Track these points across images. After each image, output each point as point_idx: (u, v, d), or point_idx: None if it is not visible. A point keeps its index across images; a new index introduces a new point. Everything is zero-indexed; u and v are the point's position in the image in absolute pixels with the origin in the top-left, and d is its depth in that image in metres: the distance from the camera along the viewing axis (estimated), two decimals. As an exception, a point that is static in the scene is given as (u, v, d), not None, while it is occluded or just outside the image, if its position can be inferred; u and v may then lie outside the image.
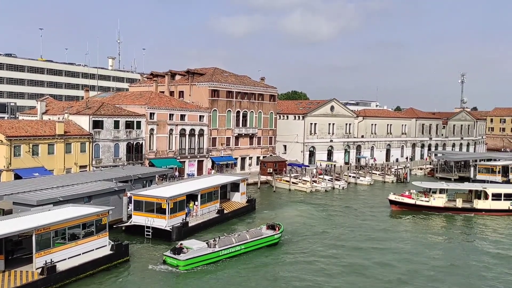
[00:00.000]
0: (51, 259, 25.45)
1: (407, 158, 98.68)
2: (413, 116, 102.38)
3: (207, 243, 30.95)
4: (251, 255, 32.19)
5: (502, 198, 48.70)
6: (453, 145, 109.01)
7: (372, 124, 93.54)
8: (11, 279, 24.04)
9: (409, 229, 42.31)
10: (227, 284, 26.84)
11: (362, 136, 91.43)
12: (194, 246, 29.93)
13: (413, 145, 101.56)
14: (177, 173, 59.89)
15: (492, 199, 48.43)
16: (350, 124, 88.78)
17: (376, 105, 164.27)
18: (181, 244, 30.16)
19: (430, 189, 49.55)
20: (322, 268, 30.25)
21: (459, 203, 48.35)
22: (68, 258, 26.74)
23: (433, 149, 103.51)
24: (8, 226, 25.44)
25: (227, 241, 31.60)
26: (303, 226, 41.63)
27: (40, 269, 24.95)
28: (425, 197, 48.51)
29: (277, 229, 35.42)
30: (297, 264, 30.80)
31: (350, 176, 70.13)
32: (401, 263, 31.73)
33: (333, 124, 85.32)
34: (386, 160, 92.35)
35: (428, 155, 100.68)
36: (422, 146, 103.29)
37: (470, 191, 50.88)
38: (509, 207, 48.57)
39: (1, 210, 34.70)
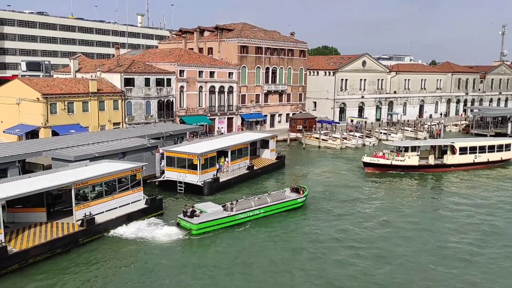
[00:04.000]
0: (89, 212, 26.74)
1: (441, 114, 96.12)
2: (449, 70, 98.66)
3: (223, 206, 29.93)
4: (271, 219, 30.88)
5: (468, 151, 48.43)
6: (491, 100, 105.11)
7: (405, 80, 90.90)
8: (54, 230, 25.50)
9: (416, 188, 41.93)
10: (240, 250, 25.90)
11: (395, 92, 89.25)
12: (209, 210, 28.93)
13: (448, 101, 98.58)
14: (223, 130, 60.51)
15: (460, 154, 48.00)
16: (382, 79, 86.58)
17: (410, 60, 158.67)
18: (193, 206, 29.25)
19: (399, 147, 47.96)
20: (346, 233, 29.41)
21: (431, 160, 47.35)
22: (106, 211, 28.02)
23: (469, 104, 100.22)
24: (49, 181, 26.72)
25: (246, 205, 30.23)
26: (330, 184, 41.78)
27: (80, 221, 26.31)
28: (397, 156, 46.80)
29: (301, 192, 33.75)
30: (319, 229, 29.37)
31: (381, 133, 69.17)
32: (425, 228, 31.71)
33: (365, 79, 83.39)
34: (419, 117, 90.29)
35: (463, 111, 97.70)
36: (458, 102, 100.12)
37: (433, 147, 49.26)
38: (473, 160, 48.52)
39: (41, 166, 36.31)
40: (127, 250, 25.46)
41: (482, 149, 49.36)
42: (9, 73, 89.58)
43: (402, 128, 73.04)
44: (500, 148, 50.60)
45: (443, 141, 52.62)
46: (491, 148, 50.02)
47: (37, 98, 45.71)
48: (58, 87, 48.15)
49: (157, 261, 24.07)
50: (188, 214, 28.20)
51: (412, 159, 46.40)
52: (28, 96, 46.33)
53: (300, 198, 33.32)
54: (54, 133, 45.68)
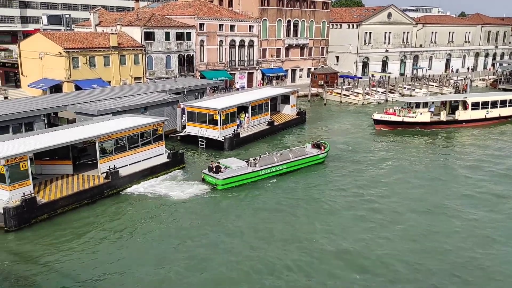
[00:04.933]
0: (114, 165, 27.44)
1: (468, 68, 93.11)
2: (478, 22, 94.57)
3: (247, 161, 30.02)
4: (294, 174, 30.85)
5: (480, 107, 47.20)
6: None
7: (432, 32, 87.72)
8: (80, 182, 26.38)
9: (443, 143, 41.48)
10: (265, 203, 26.35)
11: (421, 45, 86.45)
12: (233, 165, 29.08)
13: (476, 55, 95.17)
14: (241, 84, 60.25)
15: (472, 109, 46.82)
16: (408, 32, 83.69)
17: (438, 11, 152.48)
18: (218, 162, 29.32)
19: (410, 103, 46.66)
20: (366, 187, 29.98)
21: (443, 116, 46.12)
22: (129, 165, 28.69)
23: (498, 58, 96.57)
24: (74, 134, 27.35)
25: (269, 160, 30.32)
26: (351, 140, 41.57)
27: (105, 174, 27.08)
28: (408, 112, 45.36)
29: (322, 148, 33.58)
30: (341, 184, 29.72)
31: (405, 88, 67.70)
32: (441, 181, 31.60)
33: (390, 32, 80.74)
34: (445, 71, 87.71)
35: (492, 65, 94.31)
36: (487, 56, 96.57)
37: (443, 102, 48.04)
38: (485, 116, 47.33)
39: (66, 119, 37.16)
40: (152, 202, 26.20)
41: (494, 104, 48.18)
42: (31, 27, 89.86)
43: (427, 83, 71.24)
44: (511, 102, 49.36)
45: (454, 97, 51.44)
46: (503, 103, 48.83)
47: (59, 52, 45.96)
48: (80, 41, 48.20)
49: (183, 215, 24.63)
50: (213, 169, 28.55)
51: (423, 116, 45.35)
52: (50, 50, 46.62)
53: (321, 154, 33.38)
54: (77, 88, 46.19)
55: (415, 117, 45.20)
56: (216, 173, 28.30)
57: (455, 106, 47.73)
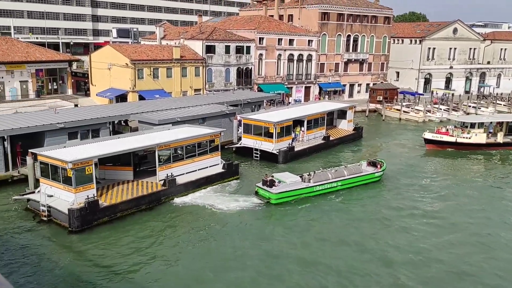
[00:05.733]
0: (171, 173, 28.37)
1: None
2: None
3: (301, 176, 29.57)
4: (349, 192, 30.36)
5: None
6: None
7: (501, 49, 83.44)
8: (139, 188, 27.49)
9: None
10: (319, 220, 26.01)
11: (488, 62, 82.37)
12: (287, 180, 28.75)
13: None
14: (293, 99, 60.57)
15: None
16: (475, 48, 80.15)
17: (509, 27, 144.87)
18: (272, 176, 29.00)
19: (464, 123, 43.51)
20: (425, 212, 28.86)
21: (499, 138, 42.56)
22: (186, 173, 29.55)
23: None
24: (135, 142, 28.64)
25: (323, 176, 29.85)
26: (410, 159, 40.27)
27: (163, 181, 28.04)
28: (462, 133, 42.22)
29: (378, 166, 32.65)
30: (397, 204, 28.76)
31: (469, 106, 64.65)
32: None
33: (455, 48, 77.75)
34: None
35: None
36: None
37: (500, 123, 44.22)
38: None
39: (129, 127, 38.99)
40: (206, 212, 26.71)
41: None
42: (101, 39, 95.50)
43: (494, 101, 67.62)
44: None
45: None
46: None
47: (126, 63, 48.42)
48: (145, 54, 50.54)
49: (236, 227, 24.89)
50: (267, 183, 28.46)
51: (479, 136, 42.41)
52: (118, 62, 49.25)
53: (377, 172, 32.53)
54: (141, 97, 48.34)
55: (469, 138, 42.50)
56: (270, 187, 28.21)
57: None
